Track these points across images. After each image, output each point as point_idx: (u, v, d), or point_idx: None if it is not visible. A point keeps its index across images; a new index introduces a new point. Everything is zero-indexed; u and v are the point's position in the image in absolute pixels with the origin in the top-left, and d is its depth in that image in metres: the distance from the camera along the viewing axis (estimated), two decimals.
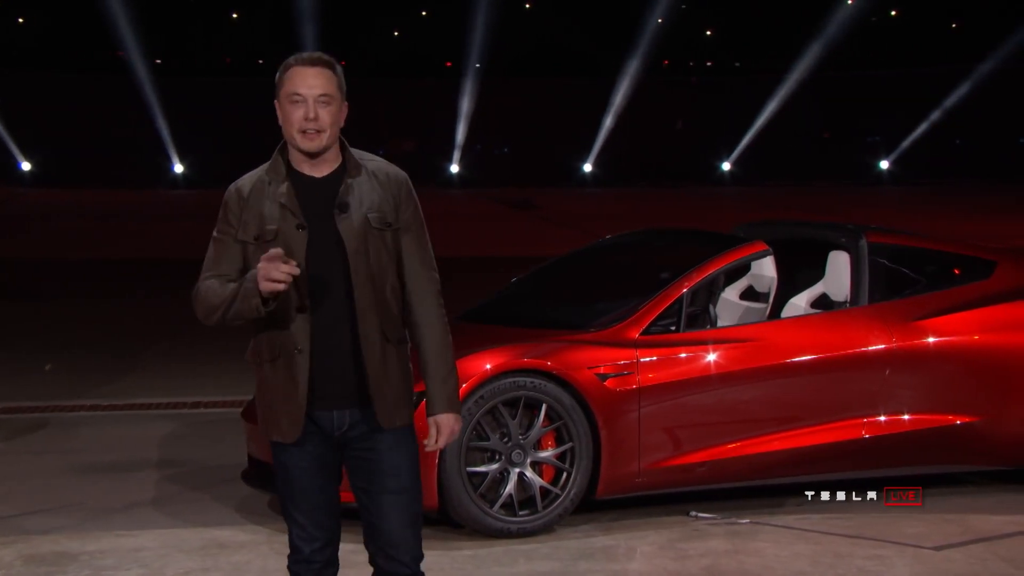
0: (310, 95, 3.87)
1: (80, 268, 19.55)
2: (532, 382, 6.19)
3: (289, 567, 4.05)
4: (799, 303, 7.19)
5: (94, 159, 42.22)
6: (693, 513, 6.48)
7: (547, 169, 43.17)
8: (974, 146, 46.13)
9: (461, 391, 5.97)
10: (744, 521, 6.40)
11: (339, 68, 3.95)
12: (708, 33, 54.41)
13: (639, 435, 6.32)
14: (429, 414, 3.98)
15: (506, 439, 6.20)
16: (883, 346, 6.75)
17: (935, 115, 43.52)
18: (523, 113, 46.71)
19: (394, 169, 4.00)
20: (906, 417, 6.76)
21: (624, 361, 6.36)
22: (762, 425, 6.57)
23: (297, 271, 3.75)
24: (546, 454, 6.25)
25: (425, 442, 3.99)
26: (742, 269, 7.18)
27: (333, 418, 3.92)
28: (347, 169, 3.94)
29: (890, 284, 7.01)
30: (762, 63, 48.55)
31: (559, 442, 6.27)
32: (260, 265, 3.75)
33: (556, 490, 6.23)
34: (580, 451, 6.24)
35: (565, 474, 6.25)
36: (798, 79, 43.52)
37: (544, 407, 6.21)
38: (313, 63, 3.90)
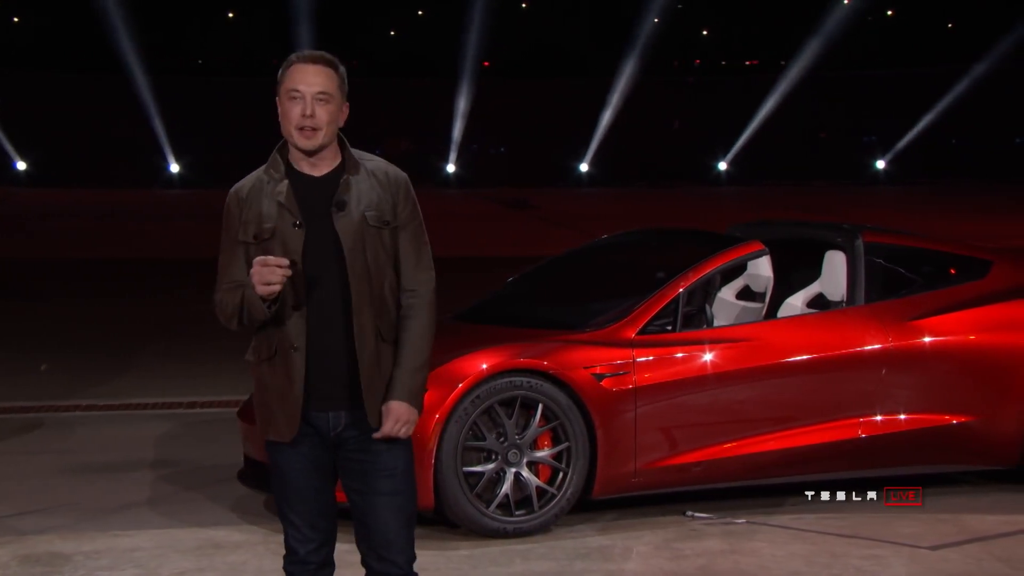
0: (308, 92, 3.87)
1: (76, 268, 19.53)
2: (528, 382, 6.18)
3: (285, 568, 4.05)
4: (795, 303, 7.19)
5: (90, 159, 42.22)
6: (689, 513, 6.47)
7: (544, 169, 43.20)
8: (970, 146, 46.18)
9: (458, 391, 6.02)
10: (740, 521, 6.40)
11: (342, 68, 3.95)
12: (704, 33, 54.43)
13: (635, 435, 6.32)
14: (384, 399, 3.90)
15: (502, 439, 6.19)
16: (879, 346, 6.75)
17: (931, 115, 43.55)
18: (520, 113, 46.73)
19: (393, 169, 4.00)
20: (902, 417, 6.76)
21: (620, 361, 6.35)
22: (758, 425, 6.57)
23: (288, 270, 3.75)
24: (542, 454, 6.25)
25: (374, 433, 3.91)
26: (738, 269, 7.18)
27: (328, 419, 3.92)
28: (346, 168, 3.94)
29: (886, 284, 7.01)
30: (758, 63, 48.60)
31: (555, 442, 6.27)
32: (253, 271, 3.76)
33: (552, 490, 6.22)
34: (576, 451, 6.24)
35: (561, 474, 6.25)
36: (794, 79, 43.56)
37: (540, 407, 6.21)
38: (314, 61, 3.90)
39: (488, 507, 6.13)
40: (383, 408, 3.91)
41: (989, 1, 46.76)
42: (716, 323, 6.88)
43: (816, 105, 45.60)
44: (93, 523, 6.45)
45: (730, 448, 6.51)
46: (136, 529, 6.33)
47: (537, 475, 6.24)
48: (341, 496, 4.03)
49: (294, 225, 3.87)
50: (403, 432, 3.91)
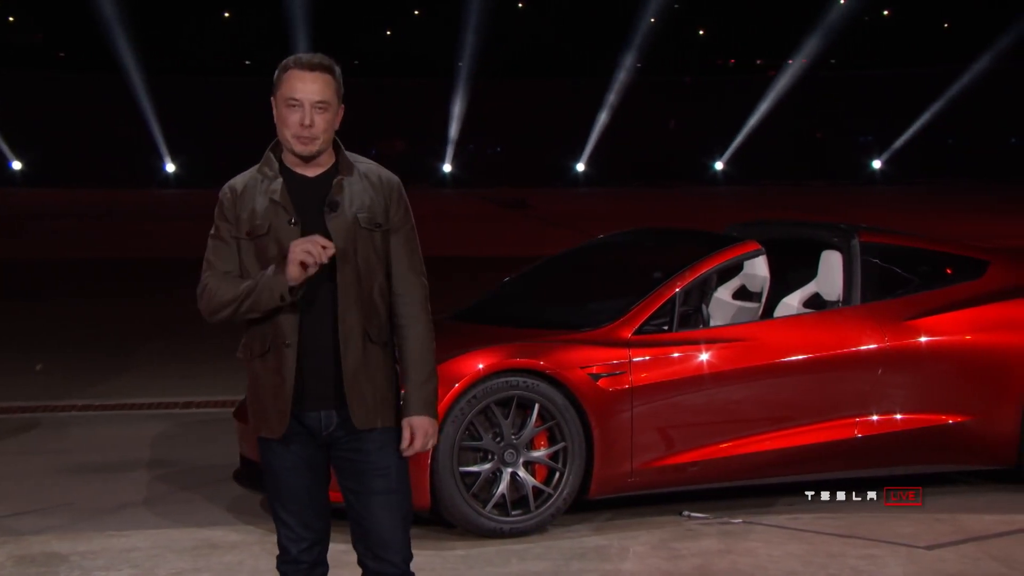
0: (307, 101, 3.87)
1: (73, 267, 19.51)
2: (525, 382, 6.18)
3: (278, 567, 4.05)
4: (792, 303, 7.19)
5: (85, 158, 42.16)
6: (686, 513, 6.47)
7: (540, 169, 43.18)
8: (966, 146, 46.20)
9: (454, 391, 6.02)
10: (737, 521, 6.40)
11: (338, 71, 3.95)
12: (701, 33, 54.44)
13: (632, 435, 6.32)
14: (404, 415, 3.95)
15: (499, 439, 6.19)
16: (875, 346, 6.75)
17: (928, 115, 43.57)
18: (516, 113, 46.71)
19: (386, 172, 4.02)
20: (898, 417, 6.76)
21: (617, 361, 6.35)
22: (755, 425, 6.57)
23: (333, 250, 3.78)
24: (539, 454, 6.25)
25: (401, 446, 3.95)
26: (735, 269, 7.18)
27: (320, 418, 3.92)
28: (339, 169, 3.95)
29: (882, 284, 7.02)
30: (755, 63, 48.61)
31: (552, 442, 6.27)
32: (297, 246, 3.76)
33: (549, 490, 6.22)
34: (573, 451, 6.23)
35: (558, 474, 6.25)
36: (791, 79, 43.58)
37: (537, 407, 6.21)
38: (312, 67, 3.89)
39: (484, 507, 6.13)
40: (407, 424, 3.94)
41: (985, 1, 46.79)
42: (712, 323, 6.88)
43: (812, 105, 45.61)
44: (89, 523, 6.44)
45: (726, 448, 6.51)
46: (132, 529, 6.32)
47: (533, 475, 6.24)
48: (336, 496, 4.03)
49: (289, 223, 3.88)
50: (430, 445, 3.97)
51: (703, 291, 6.87)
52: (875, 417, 6.72)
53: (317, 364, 3.89)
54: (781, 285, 7.19)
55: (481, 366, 6.15)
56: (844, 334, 6.76)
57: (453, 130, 44.23)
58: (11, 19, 50.30)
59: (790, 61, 44.24)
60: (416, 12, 53.52)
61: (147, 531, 6.29)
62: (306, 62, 3.90)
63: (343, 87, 3.96)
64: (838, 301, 6.96)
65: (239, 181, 3.97)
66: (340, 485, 4.00)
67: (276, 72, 3.93)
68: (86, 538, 6.17)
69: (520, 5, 53.51)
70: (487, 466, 6.18)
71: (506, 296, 7.64)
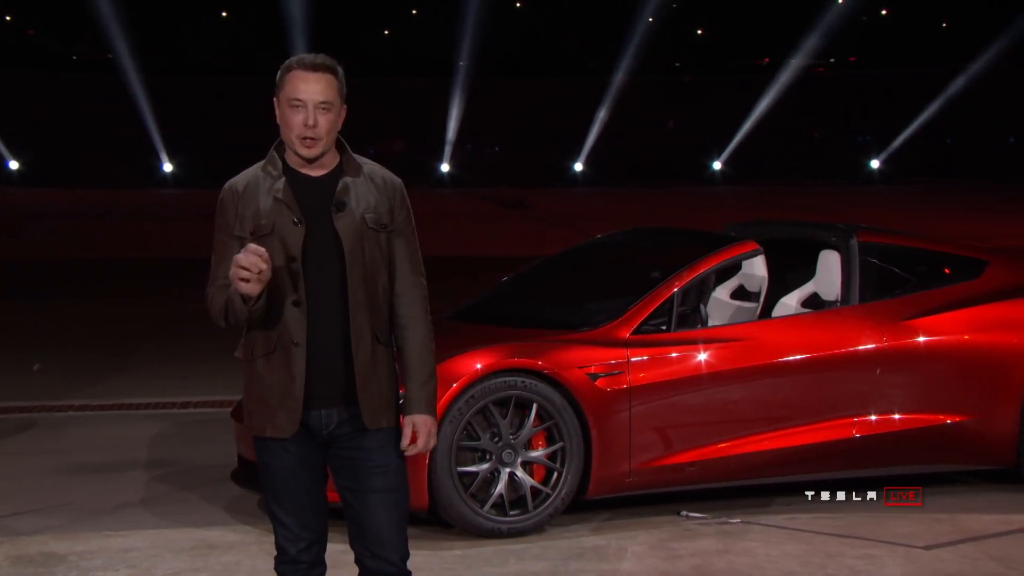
0: (310, 101, 3.87)
1: (73, 267, 19.49)
2: (523, 382, 6.18)
3: (276, 567, 4.05)
4: (790, 302, 7.19)
5: (83, 158, 42.11)
6: (684, 513, 6.47)
7: (539, 169, 43.16)
8: (965, 146, 46.18)
9: (452, 391, 6.02)
10: (735, 521, 6.40)
11: (340, 72, 3.95)
12: (699, 32, 54.43)
13: (630, 435, 6.32)
14: (406, 414, 3.96)
15: (497, 439, 6.19)
16: (873, 345, 6.75)
17: (926, 114, 43.56)
18: (514, 113, 46.68)
19: (389, 174, 4.03)
20: (897, 417, 6.76)
21: (615, 361, 6.35)
22: (753, 425, 6.57)
23: (264, 261, 3.69)
24: (537, 454, 6.24)
25: (403, 446, 3.96)
26: (733, 268, 7.18)
27: (321, 417, 3.92)
28: (344, 170, 3.96)
29: (881, 283, 7.02)
30: (753, 62, 48.60)
31: (550, 442, 6.26)
32: (232, 269, 3.73)
33: (547, 490, 6.22)
34: (571, 451, 6.23)
35: (556, 474, 6.24)
36: (789, 78, 43.57)
37: (535, 407, 6.20)
38: (315, 68, 3.89)
39: (482, 507, 6.13)
40: (409, 423, 3.95)
41: (984, 1, 46.79)
42: (711, 323, 6.88)
43: (811, 105, 45.59)
44: (87, 523, 6.44)
45: (725, 448, 6.51)
46: (130, 529, 6.32)
47: (531, 475, 6.23)
48: (334, 496, 4.03)
49: (294, 222, 3.88)
50: (431, 444, 3.99)
51: (701, 291, 6.87)
52: (873, 417, 6.72)
53: (325, 363, 3.89)
54: (779, 285, 7.19)
55: (479, 366, 6.15)
56: (842, 334, 6.76)
57: (451, 130, 44.21)
58: (8, 18, 50.22)
59: (789, 61, 44.22)
60: (414, 12, 53.48)
61: (145, 531, 6.29)
62: (309, 62, 3.90)
63: (345, 88, 3.96)
64: (836, 301, 6.96)
65: (240, 180, 3.97)
66: (336, 484, 4.00)
67: (278, 73, 3.93)
68: (84, 538, 6.17)
69: (518, 5, 53.47)
70: (485, 466, 6.17)
71: (504, 296, 7.64)
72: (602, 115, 44.21)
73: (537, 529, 6.20)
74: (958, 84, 42.57)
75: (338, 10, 47.02)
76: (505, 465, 6.19)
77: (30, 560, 5.87)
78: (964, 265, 7.27)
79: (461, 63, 44.15)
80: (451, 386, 6.04)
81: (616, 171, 42.82)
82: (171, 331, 12.72)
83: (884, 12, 52.63)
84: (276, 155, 3.97)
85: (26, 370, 10.78)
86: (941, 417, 6.83)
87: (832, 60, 48.48)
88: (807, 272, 7.20)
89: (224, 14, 52.01)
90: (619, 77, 44.43)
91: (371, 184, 3.95)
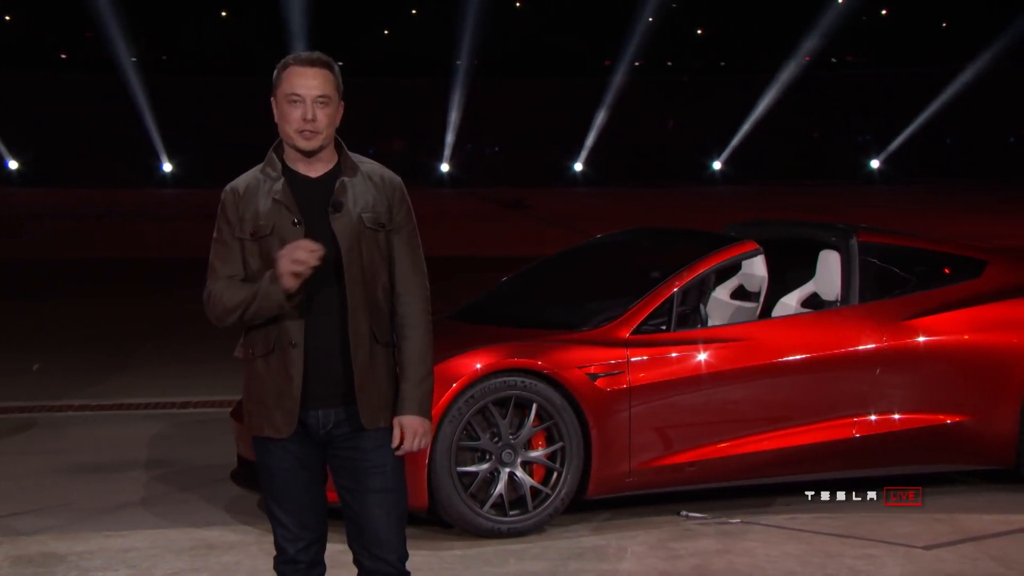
0: (308, 96, 3.88)
1: (73, 267, 19.50)
2: (522, 382, 6.18)
3: (275, 567, 4.05)
4: (790, 302, 7.19)
5: (83, 158, 42.12)
6: (683, 513, 6.47)
7: (538, 169, 43.17)
8: (965, 145, 46.20)
9: (452, 391, 6.02)
10: (734, 521, 6.39)
11: (336, 68, 3.98)
12: (699, 32, 54.44)
13: (629, 435, 6.32)
14: (396, 414, 3.94)
15: (496, 439, 6.19)
16: (873, 345, 6.75)
17: (926, 114, 43.57)
18: (514, 113, 46.70)
19: (388, 172, 4.04)
20: (896, 417, 6.76)
21: (615, 361, 6.35)
22: (753, 425, 6.56)
23: (322, 252, 3.75)
24: (536, 454, 6.24)
25: (392, 445, 3.94)
26: (733, 268, 7.18)
27: (319, 417, 3.92)
28: (342, 169, 3.96)
29: (880, 283, 7.01)
30: (753, 62, 48.59)
31: (549, 442, 6.26)
32: (283, 252, 3.75)
33: (547, 490, 6.22)
34: (570, 451, 6.23)
35: (555, 474, 6.24)
36: (788, 78, 43.57)
37: (534, 407, 6.20)
38: (312, 63, 3.91)
39: (482, 507, 6.12)
40: (397, 423, 3.94)
41: (984, 1, 46.79)
42: (710, 323, 6.88)
43: (810, 105, 45.61)
44: (87, 523, 6.44)
45: (724, 448, 6.51)
46: (130, 529, 6.32)
47: (531, 475, 6.23)
48: (333, 496, 4.03)
49: (293, 223, 3.88)
50: (420, 444, 3.95)
51: (701, 291, 6.87)
52: (873, 417, 6.72)
53: (324, 364, 3.89)
54: (779, 285, 7.19)
55: (479, 366, 6.15)
56: (842, 334, 6.76)
57: (451, 130, 44.21)
58: (7, 18, 50.21)
59: (788, 61, 44.22)
60: (414, 12, 53.48)
61: (145, 531, 6.29)
62: (305, 58, 3.93)
63: (342, 85, 3.97)
64: (836, 301, 6.96)
65: (241, 182, 3.98)
66: (335, 484, 4.00)
67: (275, 71, 3.95)
68: (83, 538, 6.17)
69: (518, 5, 53.48)
70: (485, 466, 6.17)
71: (504, 296, 7.64)
72: (602, 115, 44.22)
73: (537, 529, 6.20)
74: (958, 84, 42.56)
75: (337, 10, 47.02)
76: (505, 465, 6.19)
77: (30, 560, 5.87)
78: (964, 265, 7.27)
79: (460, 63, 44.15)
80: (451, 386, 6.04)
81: (616, 171, 42.85)
82: (171, 331, 12.72)
83: (884, 12, 52.63)
84: (275, 156, 3.98)
85: (26, 370, 10.78)
86: (941, 417, 6.83)
87: (833, 60, 48.47)
88: (807, 272, 7.19)
89: (224, 14, 52.01)
90: (619, 77, 44.44)
91: (369, 183, 3.95)
